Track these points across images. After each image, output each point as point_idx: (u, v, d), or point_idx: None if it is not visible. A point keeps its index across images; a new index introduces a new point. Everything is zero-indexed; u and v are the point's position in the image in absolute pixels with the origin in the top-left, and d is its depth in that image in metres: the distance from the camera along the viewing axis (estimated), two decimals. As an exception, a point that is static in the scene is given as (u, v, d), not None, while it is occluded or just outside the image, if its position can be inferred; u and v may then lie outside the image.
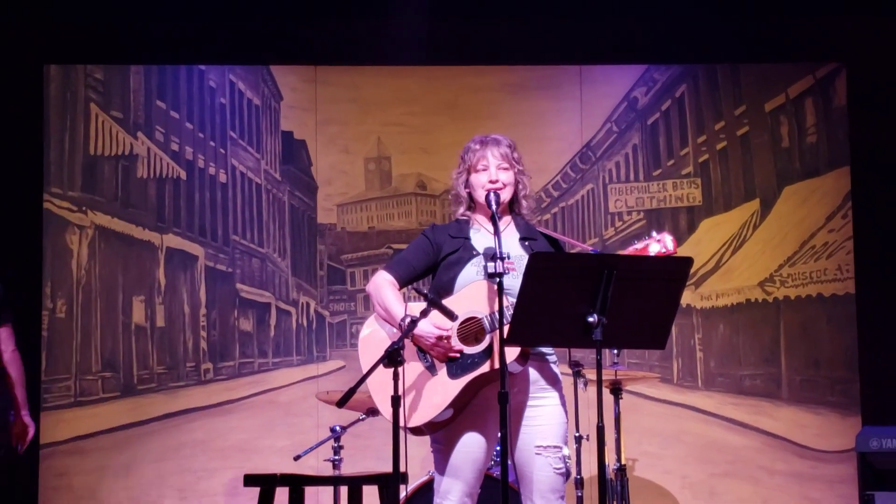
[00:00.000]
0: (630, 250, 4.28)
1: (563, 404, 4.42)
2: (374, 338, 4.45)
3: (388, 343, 4.25)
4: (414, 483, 5.81)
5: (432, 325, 4.26)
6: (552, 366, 4.42)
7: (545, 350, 4.41)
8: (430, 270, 4.51)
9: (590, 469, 6.51)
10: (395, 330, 4.35)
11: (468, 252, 4.43)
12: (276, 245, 7.45)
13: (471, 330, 4.29)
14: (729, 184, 7.53)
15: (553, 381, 4.41)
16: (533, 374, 4.36)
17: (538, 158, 7.24)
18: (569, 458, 6.27)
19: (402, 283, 4.48)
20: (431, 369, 4.31)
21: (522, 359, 4.24)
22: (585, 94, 7.53)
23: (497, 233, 4.23)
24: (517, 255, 4.34)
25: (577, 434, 6.33)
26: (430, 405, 4.28)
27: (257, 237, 7.43)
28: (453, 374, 4.28)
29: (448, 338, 4.26)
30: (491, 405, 4.27)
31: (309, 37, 7.46)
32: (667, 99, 7.59)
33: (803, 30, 7.46)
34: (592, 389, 6.19)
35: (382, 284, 4.44)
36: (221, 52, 7.44)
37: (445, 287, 4.40)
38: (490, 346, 4.25)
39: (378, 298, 4.42)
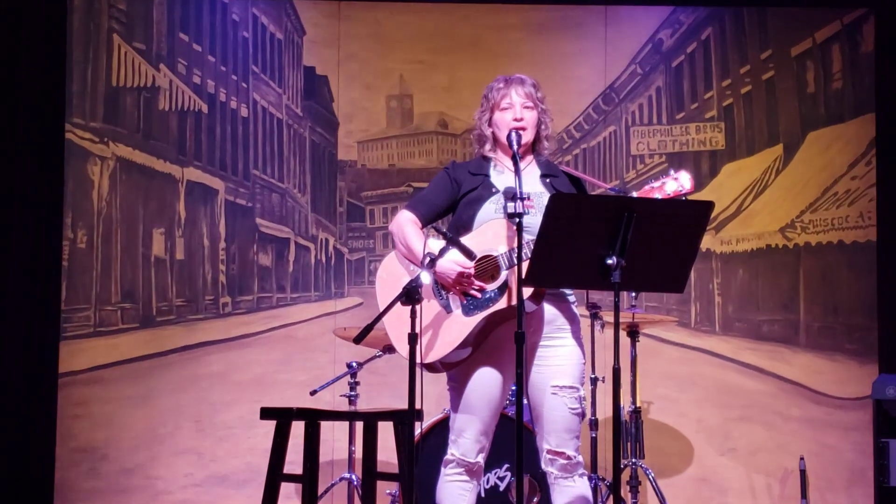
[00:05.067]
0: (646, 188, 4.26)
1: (581, 345, 4.43)
2: (392, 276, 4.47)
3: (406, 280, 4.27)
4: (429, 420, 5.85)
5: (454, 263, 4.28)
6: (571, 306, 4.44)
7: (564, 290, 4.42)
8: (452, 208, 4.53)
9: (605, 411, 6.54)
10: (414, 268, 4.37)
11: (487, 190, 4.43)
12: (296, 181, 7.45)
13: (486, 268, 4.30)
14: (752, 128, 7.49)
15: (570, 320, 4.42)
16: (549, 313, 4.37)
17: (561, 99, 7.20)
18: (584, 398, 6.32)
19: (425, 221, 4.50)
20: (447, 307, 4.33)
21: (536, 298, 4.25)
22: (610, 34, 7.47)
23: (518, 172, 4.23)
24: (537, 193, 4.35)
25: (592, 376, 6.35)
26: (444, 342, 4.31)
27: (278, 172, 7.43)
28: (468, 312, 4.30)
29: (470, 275, 4.28)
30: (505, 345, 4.29)
31: (333, -29, 7.42)
32: (692, 41, 7.53)
33: (832, -27, 7.39)
34: (609, 332, 6.20)
35: (405, 223, 4.45)
36: (245, -15, 7.41)
37: (464, 224, 4.41)
38: (505, 284, 4.26)
39: (400, 237, 4.44)
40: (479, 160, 4.56)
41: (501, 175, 4.48)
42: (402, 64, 7.50)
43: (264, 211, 7.40)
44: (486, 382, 4.37)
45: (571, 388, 4.35)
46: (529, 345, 4.28)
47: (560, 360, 4.37)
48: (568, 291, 4.45)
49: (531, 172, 4.48)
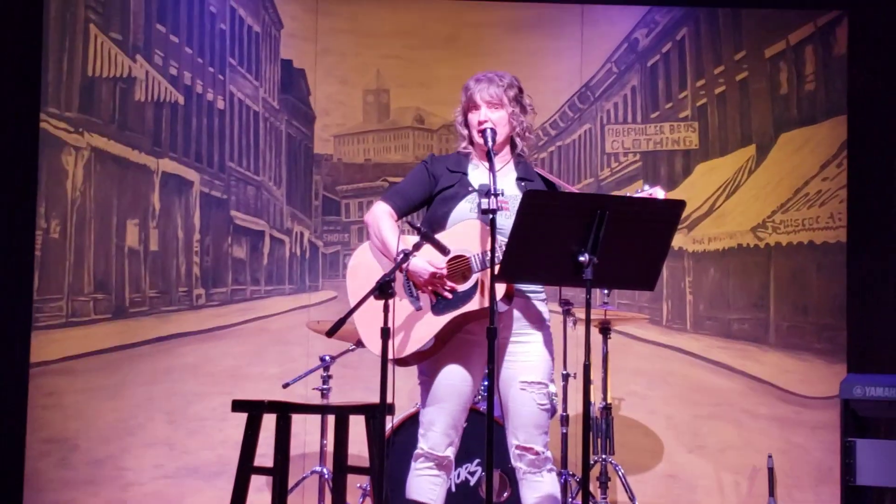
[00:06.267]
0: None
1: (549, 343, 4.46)
2: (363, 267, 4.48)
3: (377, 273, 4.30)
4: (401, 415, 5.86)
5: (427, 263, 4.29)
6: (539, 304, 4.46)
7: (533, 288, 4.44)
8: (428, 201, 4.54)
9: (576, 407, 6.57)
10: (387, 261, 4.39)
11: (464, 188, 4.45)
12: (271, 174, 7.45)
13: (458, 268, 4.32)
14: (726, 128, 7.53)
15: (538, 319, 4.44)
16: (519, 311, 4.40)
17: (536, 97, 7.06)
18: (555, 395, 6.35)
19: (400, 213, 4.51)
20: (416, 303, 4.34)
21: (507, 299, 4.27)
22: (586, 33, 7.51)
23: (492, 169, 4.25)
24: (512, 195, 4.37)
25: (564, 372, 6.38)
26: (413, 339, 4.33)
27: (253, 165, 7.43)
28: (438, 311, 4.32)
29: (442, 276, 4.29)
30: (475, 340, 4.33)
31: (311, -35, 7.42)
32: (667, 41, 7.57)
33: (806, -25, 7.45)
34: (581, 328, 6.23)
35: (380, 215, 4.46)
36: (223, -22, 7.40)
37: (438, 222, 4.43)
38: (476, 286, 4.28)
39: (375, 230, 4.45)
40: (458, 156, 4.57)
41: (477, 170, 4.50)
42: (380, 59, 7.51)
43: (239, 203, 7.40)
44: (456, 377, 4.40)
45: (540, 384, 4.39)
46: (500, 342, 4.31)
47: (529, 356, 4.40)
48: (538, 289, 4.48)
49: (507, 174, 4.49)
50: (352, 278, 4.51)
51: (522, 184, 4.47)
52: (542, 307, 4.48)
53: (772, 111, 7.51)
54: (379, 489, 4.64)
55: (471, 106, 4.48)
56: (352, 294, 4.46)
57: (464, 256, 4.31)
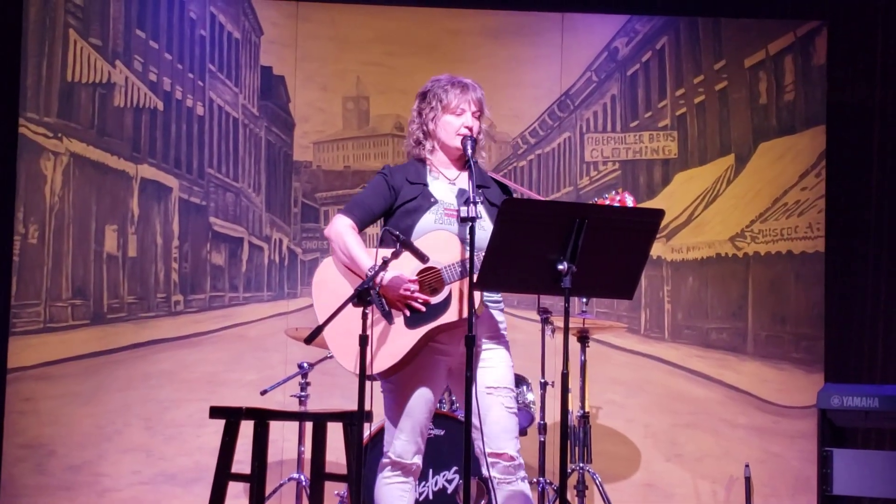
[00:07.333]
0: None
1: (508, 349, 4.45)
2: (329, 283, 4.40)
3: (344, 288, 4.25)
4: (378, 422, 5.86)
5: (398, 278, 4.25)
6: (497, 313, 4.44)
7: (491, 297, 4.41)
8: (387, 213, 4.50)
9: (554, 415, 6.57)
10: (353, 275, 4.34)
11: (426, 200, 4.41)
12: (251, 180, 7.44)
13: (428, 280, 4.29)
14: (705, 138, 7.56)
15: (501, 326, 4.44)
16: (483, 320, 4.37)
17: (516, 105, 7.25)
18: (533, 403, 6.35)
19: (361, 226, 4.46)
20: (387, 317, 4.28)
21: (477, 311, 4.25)
22: (566, 41, 7.52)
23: (471, 177, 4.24)
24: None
25: (542, 380, 6.38)
26: (386, 354, 4.28)
27: (232, 171, 7.42)
28: (411, 324, 4.28)
29: (415, 289, 4.26)
30: (439, 349, 4.32)
31: (292, -28, 7.42)
32: (647, 50, 7.60)
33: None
34: (560, 336, 6.24)
35: (344, 230, 4.39)
36: (203, -16, 7.39)
37: (403, 234, 4.39)
38: (448, 298, 4.26)
39: (341, 244, 4.38)
40: (416, 165, 4.52)
41: (437, 181, 4.46)
42: (360, 66, 7.52)
43: (218, 210, 7.39)
44: (420, 384, 4.36)
45: (505, 388, 4.37)
46: (463, 352, 4.28)
47: (493, 362, 4.38)
48: (497, 298, 4.46)
49: (464, 182, 4.45)
50: (318, 293, 4.44)
51: (479, 191, 4.41)
52: (500, 316, 4.47)
53: (751, 121, 7.55)
54: (356, 496, 4.63)
55: (454, 109, 4.45)
56: (319, 310, 4.39)
57: (434, 268, 4.28)
